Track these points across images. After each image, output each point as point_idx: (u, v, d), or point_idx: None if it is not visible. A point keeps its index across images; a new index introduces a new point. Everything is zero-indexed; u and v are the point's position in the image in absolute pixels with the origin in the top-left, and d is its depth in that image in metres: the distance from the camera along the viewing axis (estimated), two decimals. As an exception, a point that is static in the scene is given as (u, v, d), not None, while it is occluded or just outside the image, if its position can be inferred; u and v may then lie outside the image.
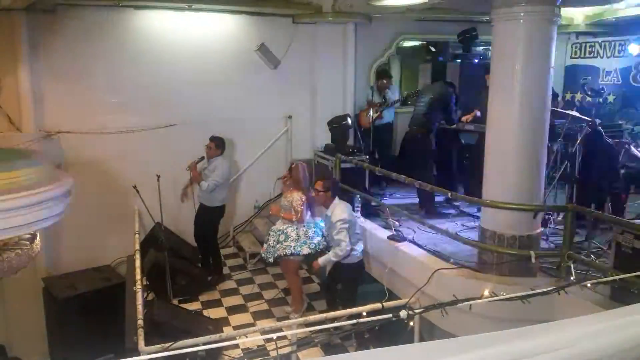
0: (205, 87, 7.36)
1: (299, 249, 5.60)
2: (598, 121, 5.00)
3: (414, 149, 6.58)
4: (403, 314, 1.56)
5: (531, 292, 1.77)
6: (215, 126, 7.03)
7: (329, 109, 7.44)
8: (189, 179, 6.72)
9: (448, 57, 8.06)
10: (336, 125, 7.07)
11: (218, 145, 6.56)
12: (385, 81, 7.59)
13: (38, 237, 4.06)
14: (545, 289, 1.81)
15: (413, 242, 5.15)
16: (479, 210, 5.76)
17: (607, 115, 5.77)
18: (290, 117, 7.92)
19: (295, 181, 5.81)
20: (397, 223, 5.64)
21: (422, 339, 4.32)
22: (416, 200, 6.58)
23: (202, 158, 6.64)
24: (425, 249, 4.94)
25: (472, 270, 4.40)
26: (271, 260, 5.69)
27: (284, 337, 3.83)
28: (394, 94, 7.66)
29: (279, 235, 5.67)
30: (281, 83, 7.77)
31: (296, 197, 5.70)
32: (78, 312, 5.89)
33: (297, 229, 5.66)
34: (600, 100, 5.32)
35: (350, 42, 7.71)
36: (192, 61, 7.28)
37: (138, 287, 4.64)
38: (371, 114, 7.28)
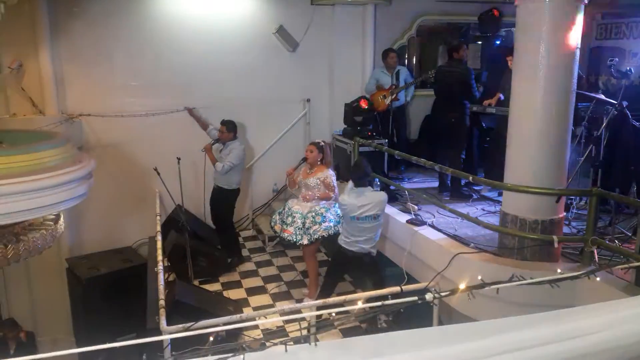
0: (224, 70, 7.37)
1: (336, 228, 5.50)
2: (625, 103, 4.87)
3: (448, 133, 6.44)
4: (429, 296, 1.55)
5: (560, 275, 1.74)
6: (234, 109, 7.05)
7: (348, 92, 7.37)
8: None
9: (469, 39, 7.92)
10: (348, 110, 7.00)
11: (229, 128, 6.58)
12: (393, 55, 7.42)
13: (62, 218, 4.13)
14: (574, 273, 1.78)
15: (432, 226, 5.12)
16: (499, 194, 5.70)
17: (633, 98, 5.61)
18: (308, 100, 7.89)
19: (327, 157, 5.77)
20: (416, 207, 5.61)
21: (440, 323, 4.32)
22: (435, 184, 6.56)
23: (217, 140, 6.66)
24: (444, 233, 4.91)
25: (493, 255, 4.36)
26: (305, 242, 5.54)
27: (303, 319, 3.87)
28: (407, 76, 7.53)
29: (314, 216, 5.58)
30: (299, 66, 7.74)
31: (329, 173, 5.66)
32: (101, 292, 6.02)
33: (329, 209, 5.64)
34: (627, 82, 5.16)
35: (369, 24, 7.61)
36: (211, 44, 7.28)
37: (159, 268, 4.70)
38: (388, 97, 7.18)
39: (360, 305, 1.60)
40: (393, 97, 7.18)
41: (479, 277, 1.71)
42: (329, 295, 5.04)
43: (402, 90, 7.29)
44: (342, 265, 5.32)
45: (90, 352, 1.81)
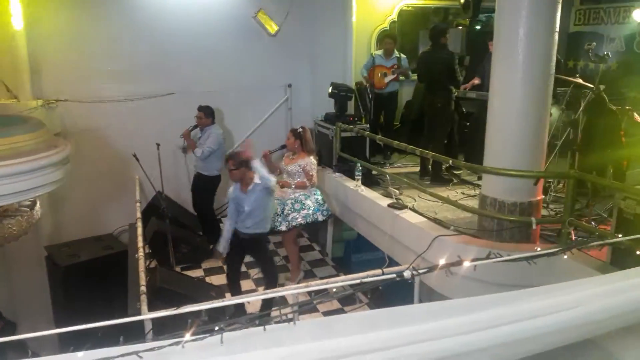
0: (203, 54, 7.27)
1: (316, 216, 5.62)
2: (602, 87, 4.93)
3: (432, 118, 6.47)
4: (407, 274, 1.55)
5: (536, 252, 1.76)
6: (214, 95, 6.98)
7: (329, 77, 7.33)
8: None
9: (450, 24, 7.93)
10: (335, 92, 6.97)
11: (207, 114, 6.55)
12: (389, 41, 7.44)
13: (38, 204, 4.07)
14: (550, 250, 1.81)
15: (413, 209, 5.16)
16: (479, 178, 5.76)
17: (610, 82, 5.71)
18: (289, 85, 7.84)
19: (307, 143, 5.75)
20: (397, 191, 5.64)
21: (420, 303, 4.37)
22: (417, 168, 6.61)
23: (196, 126, 6.62)
24: (425, 217, 4.95)
25: (472, 237, 4.41)
26: (283, 228, 5.63)
27: (284, 301, 3.90)
28: (405, 63, 7.52)
29: (294, 204, 5.64)
30: (280, 50, 7.66)
31: (309, 161, 5.66)
32: (81, 279, 5.94)
33: (309, 196, 5.67)
34: (604, 66, 5.23)
35: (350, 8, 7.56)
36: (190, 28, 7.16)
37: (140, 254, 4.66)
38: (388, 75, 7.20)
39: (339, 283, 1.61)
40: (394, 77, 7.22)
41: (457, 256, 1.73)
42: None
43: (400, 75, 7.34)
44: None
45: (70, 337, 1.79)
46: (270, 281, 5.27)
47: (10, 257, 6.64)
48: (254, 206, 4.97)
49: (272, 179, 5.02)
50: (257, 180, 4.97)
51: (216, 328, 1.48)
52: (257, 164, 4.97)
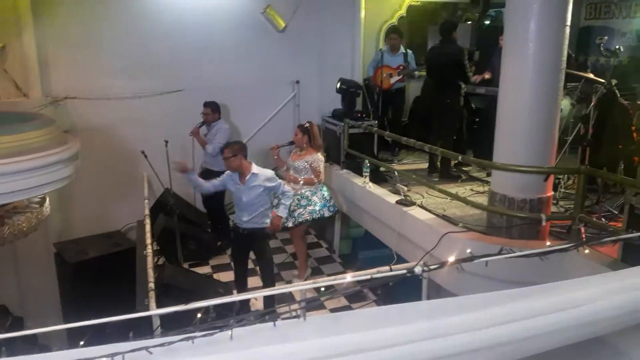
0: (211, 51, 7.27)
1: (322, 212, 5.62)
2: (614, 82, 4.88)
3: (442, 114, 6.40)
4: (418, 269, 1.54)
5: (549, 248, 1.74)
6: (222, 91, 6.98)
7: (337, 73, 7.31)
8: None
9: (459, 19, 7.88)
10: (344, 87, 6.95)
11: (214, 109, 6.57)
12: (395, 37, 7.40)
13: (47, 201, 4.08)
14: (563, 245, 1.79)
15: (422, 206, 5.13)
16: (488, 175, 5.73)
17: (622, 77, 5.65)
18: (297, 82, 7.82)
19: (314, 139, 5.74)
20: (405, 188, 5.62)
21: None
22: (426, 165, 6.57)
23: (203, 123, 6.63)
24: (434, 213, 4.93)
25: (481, 234, 4.38)
26: (289, 224, 5.62)
27: (292, 297, 3.91)
28: (412, 60, 7.48)
29: (300, 200, 5.63)
30: (288, 47, 7.65)
31: (317, 157, 5.65)
32: (90, 276, 5.96)
33: (315, 192, 5.66)
34: (615, 61, 5.18)
35: (359, 3, 7.53)
36: (198, 24, 7.16)
37: (149, 251, 4.67)
38: (394, 76, 7.18)
39: (348, 279, 1.60)
40: (399, 77, 7.18)
41: (468, 250, 1.71)
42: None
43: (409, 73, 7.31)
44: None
45: (78, 333, 1.79)
46: (265, 281, 5.25)
47: (19, 254, 6.69)
48: (251, 198, 4.93)
49: (291, 194, 5.13)
50: (254, 170, 4.96)
51: (226, 324, 1.48)
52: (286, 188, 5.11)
